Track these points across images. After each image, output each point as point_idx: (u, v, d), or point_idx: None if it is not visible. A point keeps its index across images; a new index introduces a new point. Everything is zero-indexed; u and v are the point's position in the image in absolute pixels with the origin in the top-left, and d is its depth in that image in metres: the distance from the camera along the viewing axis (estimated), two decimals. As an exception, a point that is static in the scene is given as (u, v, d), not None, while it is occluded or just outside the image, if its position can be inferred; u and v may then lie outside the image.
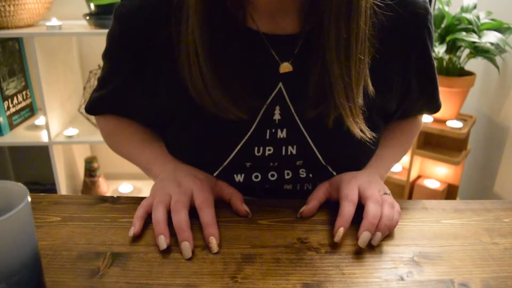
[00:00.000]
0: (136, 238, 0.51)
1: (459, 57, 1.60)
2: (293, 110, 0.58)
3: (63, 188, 1.67)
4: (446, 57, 1.60)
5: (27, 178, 1.91)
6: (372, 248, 0.50)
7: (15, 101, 1.63)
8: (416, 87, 0.63)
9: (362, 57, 0.51)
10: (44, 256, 0.47)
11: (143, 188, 1.89)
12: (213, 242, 0.49)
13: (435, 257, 0.49)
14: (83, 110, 1.72)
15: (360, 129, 0.54)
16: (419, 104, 0.67)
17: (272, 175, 0.61)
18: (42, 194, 0.60)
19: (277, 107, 0.57)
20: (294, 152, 0.59)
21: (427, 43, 0.60)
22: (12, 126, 1.63)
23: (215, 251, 0.49)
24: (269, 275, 0.45)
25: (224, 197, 0.59)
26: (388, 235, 0.53)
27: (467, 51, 1.59)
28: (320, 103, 0.54)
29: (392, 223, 0.52)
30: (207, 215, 0.52)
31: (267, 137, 0.58)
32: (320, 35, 0.51)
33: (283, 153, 0.59)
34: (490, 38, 1.46)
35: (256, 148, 0.59)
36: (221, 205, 0.58)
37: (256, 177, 0.61)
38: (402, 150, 0.73)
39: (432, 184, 1.77)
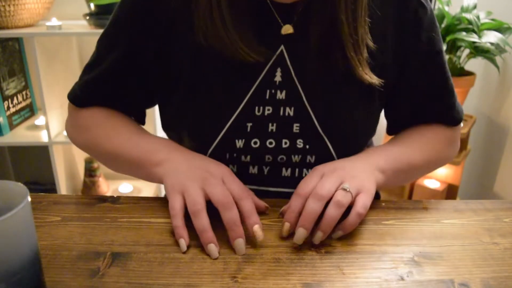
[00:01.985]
0: (136, 238, 0.51)
1: (459, 57, 1.60)
2: (293, 73, 0.60)
3: (63, 188, 1.67)
4: (446, 57, 1.60)
5: (27, 178, 1.91)
6: (372, 248, 0.50)
7: (15, 101, 1.63)
8: (416, 59, 0.64)
9: (366, 18, 0.57)
10: (44, 256, 0.47)
11: (143, 188, 1.89)
12: (258, 230, 0.50)
13: (435, 257, 0.49)
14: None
15: (368, 76, 0.59)
16: (429, 100, 0.66)
17: (270, 143, 0.62)
18: (42, 194, 0.60)
19: (279, 69, 0.60)
20: (291, 114, 0.61)
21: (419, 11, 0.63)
22: (12, 126, 1.63)
23: (261, 239, 0.49)
24: (269, 275, 0.45)
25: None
26: (390, 235, 0.53)
27: (467, 51, 1.59)
28: (322, 56, 0.59)
29: (332, 223, 0.50)
30: (249, 204, 0.51)
31: (267, 97, 0.61)
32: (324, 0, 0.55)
33: (281, 113, 0.61)
34: (490, 38, 1.46)
35: (256, 108, 0.61)
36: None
37: (255, 143, 0.62)
38: (418, 152, 0.66)
39: (432, 184, 1.76)
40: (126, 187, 1.86)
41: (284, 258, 0.48)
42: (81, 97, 0.66)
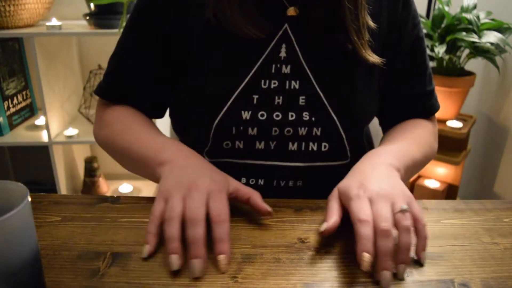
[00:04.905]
0: (136, 238, 0.51)
1: (459, 57, 1.60)
2: (297, 49, 0.64)
3: (63, 188, 1.67)
4: (446, 57, 1.60)
5: (27, 178, 1.91)
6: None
7: (15, 101, 1.63)
8: (403, 42, 0.69)
9: (366, 4, 0.62)
10: (44, 256, 0.47)
11: (143, 188, 1.89)
12: (223, 261, 0.46)
13: (435, 257, 0.49)
14: (83, 110, 1.72)
15: (370, 56, 0.63)
16: (412, 82, 0.72)
17: (277, 116, 0.64)
18: (42, 194, 0.60)
19: (283, 45, 0.64)
20: (297, 87, 0.64)
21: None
22: (12, 126, 1.63)
23: (223, 271, 0.46)
24: (269, 275, 0.45)
25: (241, 197, 0.55)
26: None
27: (467, 51, 1.59)
28: (325, 37, 0.63)
29: (409, 251, 0.46)
30: (222, 230, 0.47)
31: (273, 71, 0.64)
32: None
33: (287, 87, 0.64)
34: (490, 38, 1.46)
35: (262, 81, 0.63)
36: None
37: (262, 115, 0.63)
38: (416, 148, 0.66)
39: (432, 184, 1.77)
40: (126, 187, 1.86)
41: (284, 258, 0.48)
42: (105, 88, 0.70)
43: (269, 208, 0.53)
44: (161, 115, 0.75)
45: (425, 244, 0.48)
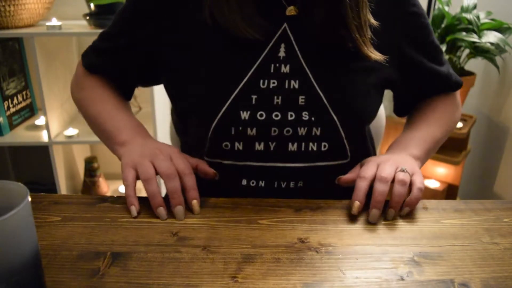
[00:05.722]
0: (136, 238, 0.51)
1: (459, 57, 1.60)
2: (296, 49, 0.64)
3: (63, 188, 1.67)
4: (446, 57, 1.60)
5: (27, 178, 1.91)
6: (372, 248, 0.51)
7: (15, 101, 1.63)
8: (409, 34, 0.70)
9: (367, 2, 0.62)
10: (44, 256, 0.47)
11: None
12: (196, 205, 0.57)
13: (435, 257, 0.49)
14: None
15: (373, 54, 0.64)
16: (427, 71, 0.72)
17: (276, 115, 0.63)
18: (42, 194, 0.60)
19: (282, 45, 0.64)
20: (296, 86, 0.63)
21: None
22: (12, 126, 1.63)
23: (197, 212, 0.56)
24: (269, 275, 0.45)
25: (191, 165, 0.62)
26: (390, 235, 0.53)
27: (467, 51, 1.59)
28: (326, 35, 0.63)
29: (401, 200, 0.56)
30: (190, 180, 0.58)
31: (271, 70, 0.63)
32: None
33: (286, 86, 0.63)
34: (490, 38, 1.46)
35: (261, 81, 0.63)
36: (223, 206, 0.58)
37: (261, 115, 0.63)
38: (437, 127, 0.74)
39: (432, 184, 1.76)
40: (126, 187, 1.86)
41: (284, 258, 0.48)
42: (93, 63, 0.75)
43: (214, 171, 0.64)
44: (129, 98, 0.79)
45: (412, 203, 0.57)
